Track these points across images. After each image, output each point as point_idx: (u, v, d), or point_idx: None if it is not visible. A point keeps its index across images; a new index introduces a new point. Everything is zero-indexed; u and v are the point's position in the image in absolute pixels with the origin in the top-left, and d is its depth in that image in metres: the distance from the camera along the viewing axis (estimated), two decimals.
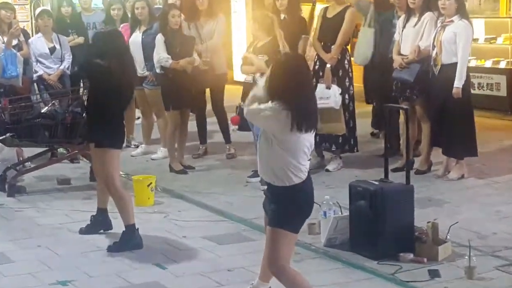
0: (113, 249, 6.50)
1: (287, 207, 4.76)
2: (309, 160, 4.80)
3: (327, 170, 8.80)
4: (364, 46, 9.42)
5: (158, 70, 9.14)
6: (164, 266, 6.12)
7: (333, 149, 8.92)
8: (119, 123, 6.68)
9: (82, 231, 6.92)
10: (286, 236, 4.77)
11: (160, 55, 8.93)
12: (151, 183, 7.87)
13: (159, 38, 9.01)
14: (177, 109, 9.19)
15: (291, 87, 4.66)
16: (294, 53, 6.96)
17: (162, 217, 7.44)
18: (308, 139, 4.75)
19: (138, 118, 10.75)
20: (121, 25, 10.24)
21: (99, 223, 6.93)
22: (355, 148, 9.00)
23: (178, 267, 6.10)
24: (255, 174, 8.02)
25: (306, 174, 4.78)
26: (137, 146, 10.28)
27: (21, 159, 8.86)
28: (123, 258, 6.31)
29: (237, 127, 8.61)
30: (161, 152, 9.71)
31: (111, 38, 6.74)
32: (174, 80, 9.02)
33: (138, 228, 6.60)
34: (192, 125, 9.77)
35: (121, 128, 6.71)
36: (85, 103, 8.50)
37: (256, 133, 8.25)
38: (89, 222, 6.94)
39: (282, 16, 9.13)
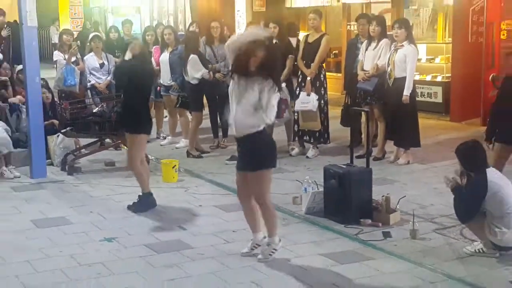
0: (132, 208, 6.60)
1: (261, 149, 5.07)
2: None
3: (307, 157, 8.76)
4: None
5: (194, 81, 8.97)
6: (184, 227, 6.12)
7: (311, 141, 8.90)
8: (146, 113, 6.73)
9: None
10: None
11: (203, 70, 8.89)
12: (175, 165, 7.85)
13: (195, 57, 8.90)
14: (201, 110, 9.22)
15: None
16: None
17: (184, 191, 7.41)
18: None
19: (166, 116, 10.72)
20: (153, 47, 10.18)
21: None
22: (328, 141, 8.97)
23: (195, 229, 6.10)
24: (232, 158, 8.19)
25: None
26: (165, 138, 10.23)
27: (77, 146, 8.81)
28: (154, 221, 6.31)
29: None
30: (183, 142, 9.65)
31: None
32: (201, 88, 9.04)
33: (152, 194, 6.69)
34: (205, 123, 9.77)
35: (148, 117, 6.73)
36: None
37: None
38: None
39: (274, 40, 9.04)
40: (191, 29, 10.59)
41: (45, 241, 5.78)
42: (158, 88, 9.96)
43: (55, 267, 5.16)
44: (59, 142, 8.54)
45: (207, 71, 8.94)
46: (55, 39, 11.84)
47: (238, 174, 5.31)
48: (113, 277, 4.96)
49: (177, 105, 9.46)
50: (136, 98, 6.62)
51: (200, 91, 9.11)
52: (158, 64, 9.87)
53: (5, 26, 9.64)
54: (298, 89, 8.81)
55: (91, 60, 9.90)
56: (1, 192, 7.42)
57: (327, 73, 9.27)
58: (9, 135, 8.26)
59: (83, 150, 8.79)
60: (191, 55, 8.94)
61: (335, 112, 9.75)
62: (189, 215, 6.53)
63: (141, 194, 6.71)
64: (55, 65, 10.33)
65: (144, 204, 6.64)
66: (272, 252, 5.25)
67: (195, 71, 8.94)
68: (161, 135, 10.44)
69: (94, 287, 4.79)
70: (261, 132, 5.04)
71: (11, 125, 8.61)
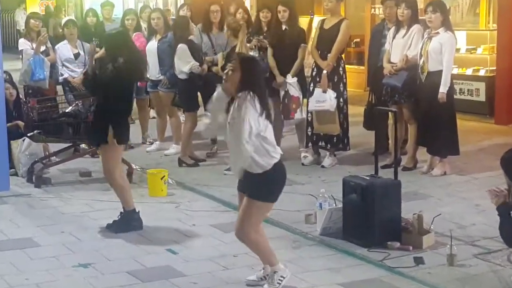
0: (112, 227, 6.61)
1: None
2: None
3: (323, 166, 8.76)
4: None
5: (183, 76, 8.95)
6: (175, 251, 6.11)
7: (328, 148, 8.90)
8: (125, 121, 6.82)
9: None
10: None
11: (192, 62, 8.84)
12: (164, 176, 7.84)
13: (183, 47, 8.88)
14: (196, 110, 9.23)
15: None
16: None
17: (174, 207, 7.41)
18: None
19: (153, 117, 10.72)
20: (134, 34, 10.19)
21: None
22: (348, 147, 8.97)
23: (188, 252, 6.08)
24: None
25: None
26: (151, 143, 10.23)
27: (47, 153, 8.82)
28: (139, 244, 6.30)
29: None
30: (173, 148, 9.66)
31: (123, 37, 6.89)
32: (195, 84, 9.02)
33: (139, 211, 6.69)
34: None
35: (127, 126, 6.83)
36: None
37: None
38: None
39: (284, 27, 9.08)
40: (181, 13, 10.59)
41: (7, 267, 5.77)
42: (143, 83, 9.93)
43: None
44: (24, 148, 8.56)
45: (197, 64, 8.88)
46: (21, 25, 11.84)
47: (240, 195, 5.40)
48: None
49: (172, 104, 9.44)
50: (116, 105, 6.59)
51: (193, 87, 9.08)
52: None
53: None
54: (312, 84, 8.80)
55: (64, 49, 9.90)
56: None
57: (347, 66, 9.27)
58: None
59: (53, 158, 8.81)
60: (179, 45, 8.92)
61: (356, 113, 9.74)
62: (181, 236, 6.52)
63: (122, 211, 6.71)
64: (20, 56, 10.36)
65: (127, 223, 6.64)
66: (281, 279, 5.24)
67: (183, 64, 8.91)
68: (147, 139, 10.45)
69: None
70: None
71: None
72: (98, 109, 6.94)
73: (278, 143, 5.60)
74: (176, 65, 9.01)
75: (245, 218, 5.17)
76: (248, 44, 8.93)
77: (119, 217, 6.70)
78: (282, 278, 5.24)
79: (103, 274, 5.61)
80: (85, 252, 6.10)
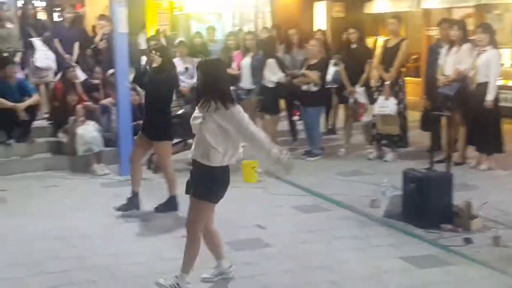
0: (159, 209, 6.49)
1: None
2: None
3: (386, 161, 8.56)
4: None
5: (271, 85, 8.90)
6: (263, 226, 6.05)
7: (390, 145, 8.69)
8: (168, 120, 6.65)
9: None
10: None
11: (279, 74, 8.84)
12: (255, 166, 7.81)
13: (273, 61, 8.86)
14: (278, 113, 9.23)
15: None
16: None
17: (262, 191, 7.36)
18: None
19: None
20: (235, 52, 10.18)
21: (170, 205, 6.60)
22: (407, 145, 8.73)
23: (274, 228, 6.01)
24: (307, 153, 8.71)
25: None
26: None
27: None
28: (234, 219, 6.20)
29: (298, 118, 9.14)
30: None
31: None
32: (279, 92, 9.01)
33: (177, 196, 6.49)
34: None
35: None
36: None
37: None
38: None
39: (353, 46, 8.93)
40: (263, 34, 10.53)
41: (129, 235, 5.87)
42: (239, 91, 9.95)
43: (139, 260, 5.21)
44: None
45: (284, 75, 8.86)
46: (142, 45, 12.04)
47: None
48: (194, 271, 4.89)
49: (258, 109, 9.43)
50: (157, 107, 6.49)
51: (277, 94, 9.06)
52: (239, 68, 9.89)
53: (105, 37, 9.96)
54: (376, 93, 8.62)
55: (177, 64, 9.98)
56: (93, 188, 7.63)
57: (406, 78, 9.02)
58: (100, 134, 8.51)
59: None
60: (269, 59, 8.90)
61: (414, 117, 9.47)
62: (268, 214, 6.46)
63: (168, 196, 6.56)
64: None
65: (171, 206, 6.52)
66: (176, 285, 4.47)
67: (272, 74, 8.89)
68: None
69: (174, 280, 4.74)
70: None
71: (102, 125, 8.82)
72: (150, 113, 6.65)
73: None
74: (265, 76, 8.96)
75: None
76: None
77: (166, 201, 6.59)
78: (176, 285, 4.49)
79: (203, 243, 5.57)
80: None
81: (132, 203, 6.50)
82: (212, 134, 4.30)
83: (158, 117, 6.48)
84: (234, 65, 10.06)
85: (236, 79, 9.97)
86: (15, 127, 8.77)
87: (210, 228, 4.65)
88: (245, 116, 4.37)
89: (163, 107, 6.59)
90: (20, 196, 7.32)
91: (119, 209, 6.44)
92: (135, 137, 8.36)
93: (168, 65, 6.65)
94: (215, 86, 4.34)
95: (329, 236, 5.73)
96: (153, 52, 6.50)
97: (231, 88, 10.05)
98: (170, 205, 6.54)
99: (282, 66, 9.00)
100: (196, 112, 4.42)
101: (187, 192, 4.54)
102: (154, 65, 6.43)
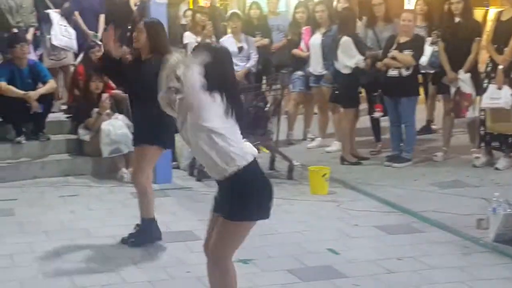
0: (131, 242, 6.24)
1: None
2: None
3: (497, 168, 8.48)
4: None
5: (346, 71, 8.92)
6: (336, 251, 6.07)
7: (503, 148, 8.61)
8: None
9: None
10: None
11: (358, 56, 8.85)
12: (325, 173, 7.85)
13: (348, 40, 8.87)
14: (356, 107, 9.28)
15: None
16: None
17: (336, 206, 7.39)
18: None
19: (315, 113, 10.74)
20: (304, 28, 10.23)
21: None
22: None
23: (350, 253, 6.03)
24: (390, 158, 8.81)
25: None
26: (313, 139, 10.29)
27: None
28: (299, 242, 6.31)
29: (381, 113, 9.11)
30: (335, 145, 9.68)
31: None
32: (357, 80, 9.04)
33: (156, 220, 6.33)
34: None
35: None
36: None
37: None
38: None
39: (457, 19, 8.88)
40: (340, 5, 10.52)
41: (169, 259, 5.97)
42: (307, 77, 10.03)
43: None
44: None
45: (363, 58, 8.88)
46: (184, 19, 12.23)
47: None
48: None
49: (330, 99, 9.47)
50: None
51: (355, 83, 9.09)
52: (308, 49, 9.94)
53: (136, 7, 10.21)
54: (486, 80, 8.56)
55: (228, 43, 10.01)
56: (120, 199, 7.77)
57: None
58: (131, 131, 8.61)
59: None
60: (344, 37, 8.90)
61: None
62: (343, 236, 6.49)
63: (139, 222, 6.34)
64: (184, 49, 10.67)
65: (149, 235, 6.28)
66: None
67: (347, 58, 8.90)
68: (308, 135, 10.50)
69: None
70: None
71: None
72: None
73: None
74: (339, 59, 8.99)
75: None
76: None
77: (135, 229, 6.37)
78: None
79: (263, 271, 5.67)
80: (245, 248, 6.10)
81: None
82: None
83: None
84: (302, 44, 10.12)
85: (304, 62, 10.04)
86: (25, 121, 9.06)
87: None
88: None
89: None
90: (31, 208, 7.52)
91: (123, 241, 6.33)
92: None
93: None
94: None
95: (421, 265, 5.71)
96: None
97: (298, 74, 10.18)
98: (145, 233, 6.30)
99: (361, 46, 9.01)
100: None
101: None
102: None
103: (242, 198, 4.14)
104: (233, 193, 4.13)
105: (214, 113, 3.99)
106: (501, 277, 5.47)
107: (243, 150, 4.15)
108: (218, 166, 4.06)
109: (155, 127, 6.04)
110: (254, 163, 4.17)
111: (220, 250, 4.35)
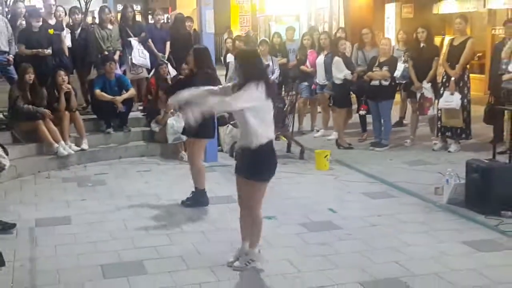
0: (187, 204, 6.24)
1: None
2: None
3: (449, 151, 8.40)
4: None
5: (338, 81, 8.89)
6: (334, 210, 6.08)
7: (454, 137, 8.51)
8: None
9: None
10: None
11: (345, 71, 8.80)
12: (327, 155, 7.83)
13: (339, 59, 8.82)
14: (348, 107, 9.22)
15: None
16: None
17: (334, 178, 7.37)
18: None
19: (319, 112, 10.71)
20: (309, 50, 10.19)
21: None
22: (470, 137, 8.50)
23: (345, 212, 6.04)
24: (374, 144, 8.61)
25: None
26: (318, 131, 10.24)
27: None
28: (307, 204, 6.29)
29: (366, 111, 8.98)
30: (334, 135, 9.60)
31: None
32: (347, 87, 8.97)
33: (206, 190, 6.31)
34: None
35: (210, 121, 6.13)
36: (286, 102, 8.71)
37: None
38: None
39: (422, 44, 8.80)
40: (338, 35, 10.48)
41: (216, 215, 6.01)
42: (314, 86, 10.01)
43: (224, 238, 5.31)
44: (228, 132, 8.82)
45: (349, 72, 8.80)
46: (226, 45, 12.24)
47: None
48: (273, 249, 5.04)
49: (330, 104, 9.44)
50: None
51: (345, 90, 9.02)
52: (313, 66, 9.91)
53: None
54: (442, 88, 8.45)
55: None
56: (181, 173, 7.77)
57: (470, 74, 8.78)
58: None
59: None
60: (336, 57, 8.89)
61: (477, 111, 9.23)
62: (339, 200, 6.49)
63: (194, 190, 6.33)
64: (226, 66, 10.71)
65: (200, 201, 6.28)
66: (249, 262, 4.60)
67: (338, 72, 8.86)
68: (315, 128, 10.48)
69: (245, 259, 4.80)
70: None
71: None
72: None
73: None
74: (333, 73, 8.96)
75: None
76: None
77: (191, 195, 6.35)
78: (251, 261, 4.60)
79: (281, 224, 5.71)
80: (270, 208, 6.10)
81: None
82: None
83: None
84: (307, 62, 10.09)
85: (309, 75, 10.03)
86: (114, 118, 9.11)
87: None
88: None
89: None
90: (118, 179, 7.61)
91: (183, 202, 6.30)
92: None
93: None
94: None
95: (395, 220, 5.72)
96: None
97: (304, 84, 10.11)
98: (198, 199, 6.30)
99: (349, 64, 8.95)
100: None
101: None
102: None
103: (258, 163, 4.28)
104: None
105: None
106: (452, 229, 5.48)
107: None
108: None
109: (200, 125, 6.03)
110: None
111: (249, 202, 4.44)
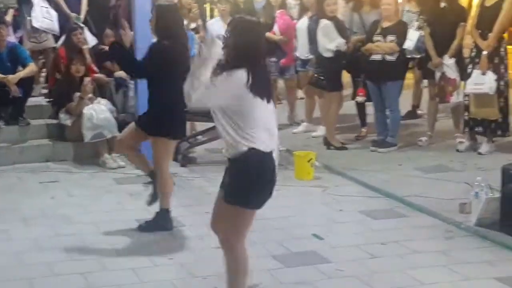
0: (144, 228, 6.35)
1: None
2: None
3: (480, 153, 8.60)
4: None
5: (328, 54, 8.93)
6: (321, 236, 6.15)
7: (486, 133, 8.72)
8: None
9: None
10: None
11: (338, 40, 8.87)
12: (311, 159, 7.91)
13: (328, 24, 8.87)
14: (341, 90, 9.30)
15: None
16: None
17: (321, 191, 7.47)
18: None
19: (301, 98, 10.80)
20: (278, 11, 10.30)
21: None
22: (507, 133, 8.72)
23: (334, 238, 6.12)
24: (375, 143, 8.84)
25: None
26: (299, 124, 10.31)
27: (193, 132, 9.07)
28: (284, 228, 6.37)
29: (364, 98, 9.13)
30: (321, 130, 9.70)
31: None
32: (340, 63, 9.06)
33: (171, 211, 6.43)
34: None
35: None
36: None
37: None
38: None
39: (442, 4, 8.97)
40: None
41: (153, 247, 6.00)
42: (284, 61, 10.06)
43: (164, 277, 5.35)
44: None
45: (344, 41, 8.90)
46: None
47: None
48: None
49: (310, 83, 9.50)
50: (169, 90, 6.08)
51: (338, 66, 9.11)
52: (283, 33, 10.00)
53: None
54: (470, 66, 8.64)
55: (217, 26, 9.87)
56: (103, 185, 7.80)
57: (509, 47, 9.01)
58: (114, 116, 8.69)
59: (199, 137, 9.00)
60: (323, 20, 8.90)
61: None
62: (327, 221, 6.57)
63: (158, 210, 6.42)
64: None
65: (161, 224, 6.37)
66: None
67: (327, 41, 8.91)
68: (294, 120, 10.54)
69: None
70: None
71: (116, 105, 9.03)
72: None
73: None
74: (320, 42, 9.01)
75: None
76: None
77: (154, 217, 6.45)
78: None
79: (249, 257, 5.76)
80: None
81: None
82: None
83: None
84: (275, 27, 10.16)
85: (277, 47, 10.04)
86: (4, 106, 9.02)
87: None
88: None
89: None
90: (9, 194, 7.53)
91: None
92: None
93: None
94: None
95: (405, 249, 5.81)
96: None
97: (271, 60, 10.06)
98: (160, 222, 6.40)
99: (342, 30, 9.04)
100: None
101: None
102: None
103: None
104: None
105: None
106: (482, 260, 5.59)
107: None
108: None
109: (166, 118, 6.17)
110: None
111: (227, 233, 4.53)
